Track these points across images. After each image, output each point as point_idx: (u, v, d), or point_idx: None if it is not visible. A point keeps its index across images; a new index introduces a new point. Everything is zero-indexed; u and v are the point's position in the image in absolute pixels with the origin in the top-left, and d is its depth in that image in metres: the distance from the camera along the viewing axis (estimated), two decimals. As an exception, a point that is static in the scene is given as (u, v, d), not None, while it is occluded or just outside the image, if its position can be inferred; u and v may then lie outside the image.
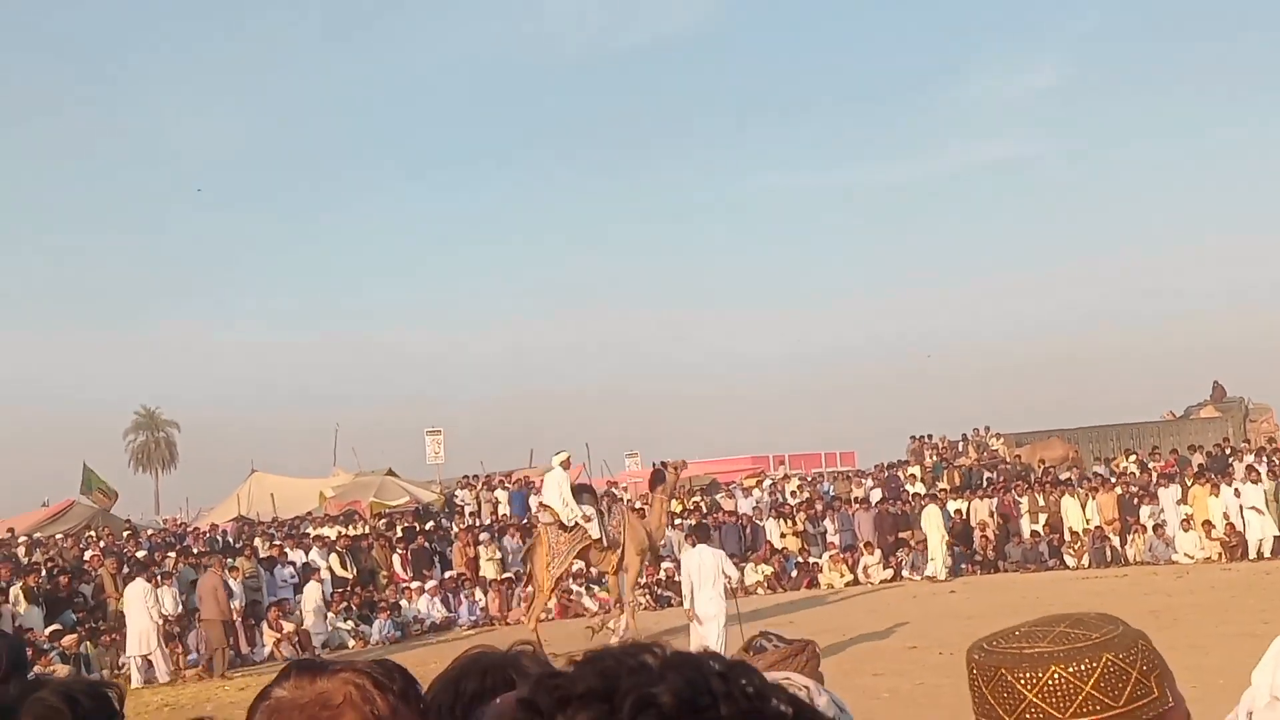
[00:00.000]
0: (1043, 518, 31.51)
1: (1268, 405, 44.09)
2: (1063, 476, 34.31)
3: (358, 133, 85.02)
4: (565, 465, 22.22)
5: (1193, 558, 28.27)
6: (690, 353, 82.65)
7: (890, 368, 76.16)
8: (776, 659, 2.45)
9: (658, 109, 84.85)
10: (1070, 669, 1.77)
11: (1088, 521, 30.65)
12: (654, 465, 26.92)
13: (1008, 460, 39.35)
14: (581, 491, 22.25)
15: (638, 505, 26.03)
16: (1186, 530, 28.88)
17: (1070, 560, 29.79)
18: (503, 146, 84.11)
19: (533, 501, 35.21)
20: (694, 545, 17.99)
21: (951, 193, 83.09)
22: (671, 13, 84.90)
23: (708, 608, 16.97)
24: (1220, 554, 28.18)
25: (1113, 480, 32.35)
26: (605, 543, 21.43)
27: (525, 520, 33.63)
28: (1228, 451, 33.77)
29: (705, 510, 33.94)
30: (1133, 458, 35.82)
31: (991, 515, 31.94)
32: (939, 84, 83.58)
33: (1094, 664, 1.77)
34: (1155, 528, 29.35)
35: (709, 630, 16.76)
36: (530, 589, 23.25)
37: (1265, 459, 31.51)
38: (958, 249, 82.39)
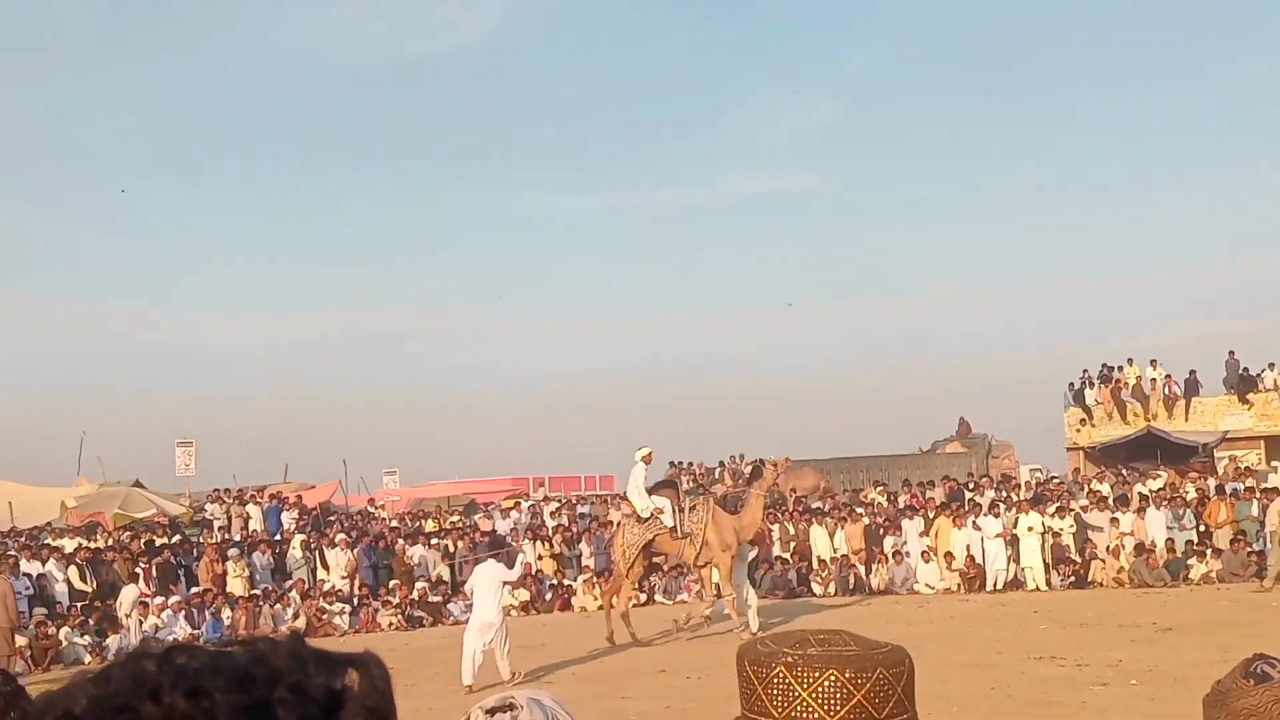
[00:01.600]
0: (792, 545, 32.24)
1: (1009, 443, 46.15)
2: (814, 505, 35.13)
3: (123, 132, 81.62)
4: (647, 460, 23.51)
5: (933, 588, 29.30)
6: (452, 370, 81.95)
7: (652, 393, 76.93)
8: None
9: (431, 122, 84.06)
10: (846, 674, 1.80)
11: (835, 550, 31.49)
12: (756, 461, 27.80)
13: (762, 489, 40.08)
14: (661, 486, 23.69)
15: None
16: (928, 561, 29.94)
17: (818, 588, 30.52)
18: (268, 153, 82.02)
19: (285, 518, 34.52)
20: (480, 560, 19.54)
21: (720, 222, 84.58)
22: (458, 26, 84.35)
23: (485, 616, 17.93)
24: (960, 585, 29.30)
25: (860, 511, 33.31)
26: (679, 533, 22.55)
27: (278, 535, 32.93)
28: (970, 486, 35.10)
29: (463, 530, 33.70)
30: (880, 489, 36.94)
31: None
32: (713, 115, 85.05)
33: (868, 675, 1.81)
34: (895, 555, 30.31)
35: (484, 637, 17.79)
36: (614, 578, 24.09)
37: (1004, 494, 32.94)
38: (723, 277, 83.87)
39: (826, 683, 1.79)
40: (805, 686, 1.80)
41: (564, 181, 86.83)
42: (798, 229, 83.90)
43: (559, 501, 39.69)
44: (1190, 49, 76.18)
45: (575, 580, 31.47)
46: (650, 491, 23.23)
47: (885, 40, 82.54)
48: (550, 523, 35.51)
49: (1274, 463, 34.97)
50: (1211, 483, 32.56)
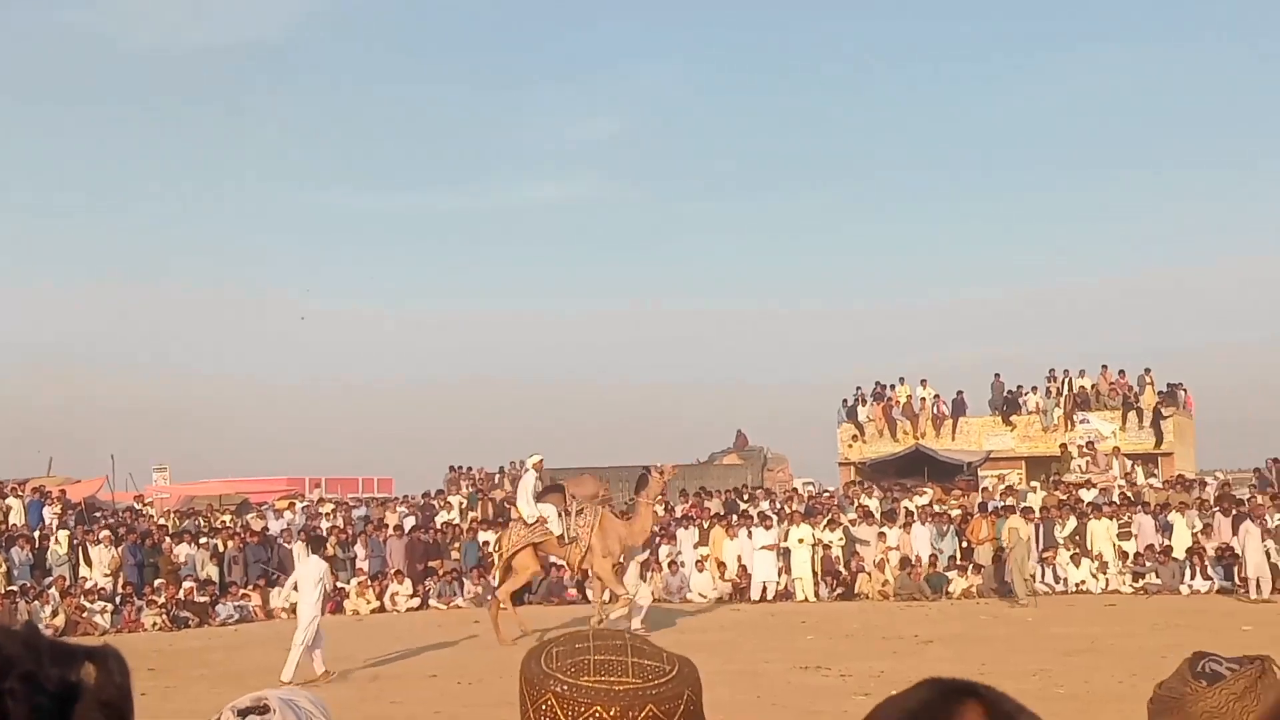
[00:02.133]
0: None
1: (784, 456, 47.12)
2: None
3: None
4: (538, 467, 23.88)
5: (706, 597, 29.71)
6: (226, 367, 79.68)
7: (433, 395, 76.27)
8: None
9: (220, 112, 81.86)
10: (663, 708, 1.77)
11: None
12: (642, 469, 27.57)
13: (541, 494, 40.17)
14: (548, 492, 23.64)
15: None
16: (701, 570, 30.36)
17: (591, 595, 30.64)
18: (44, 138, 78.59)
19: (47, 513, 33.14)
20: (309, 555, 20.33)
21: (506, 227, 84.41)
22: (252, 19, 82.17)
23: (306, 611, 18.64)
24: (731, 594, 29.80)
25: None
26: (565, 539, 22.92)
27: (39, 530, 31.63)
28: (745, 497, 35.68)
29: (233, 530, 32.86)
30: (658, 498, 37.25)
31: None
32: (502, 121, 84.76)
33: (678, 702, 1.79)
34: (670, 564, 30.66)
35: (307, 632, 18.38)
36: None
37: (777, 506, 33.60)
38: (506, 280, 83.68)
39: (592, 718, 1.74)
40: (571, 718, 1.75)
41: (351, 180, 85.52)
42: (578, 236, 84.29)
43: (334, 503, 39.02)
44: (940, 88, 79.07)
45: (349, 583, 30.98)
46: (538, 498, 23.41)
47: (673, 56, 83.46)
48: (325, 524, 34.90)
49: (1033, 483, 36.42)
50: (975, 500, 33.76)
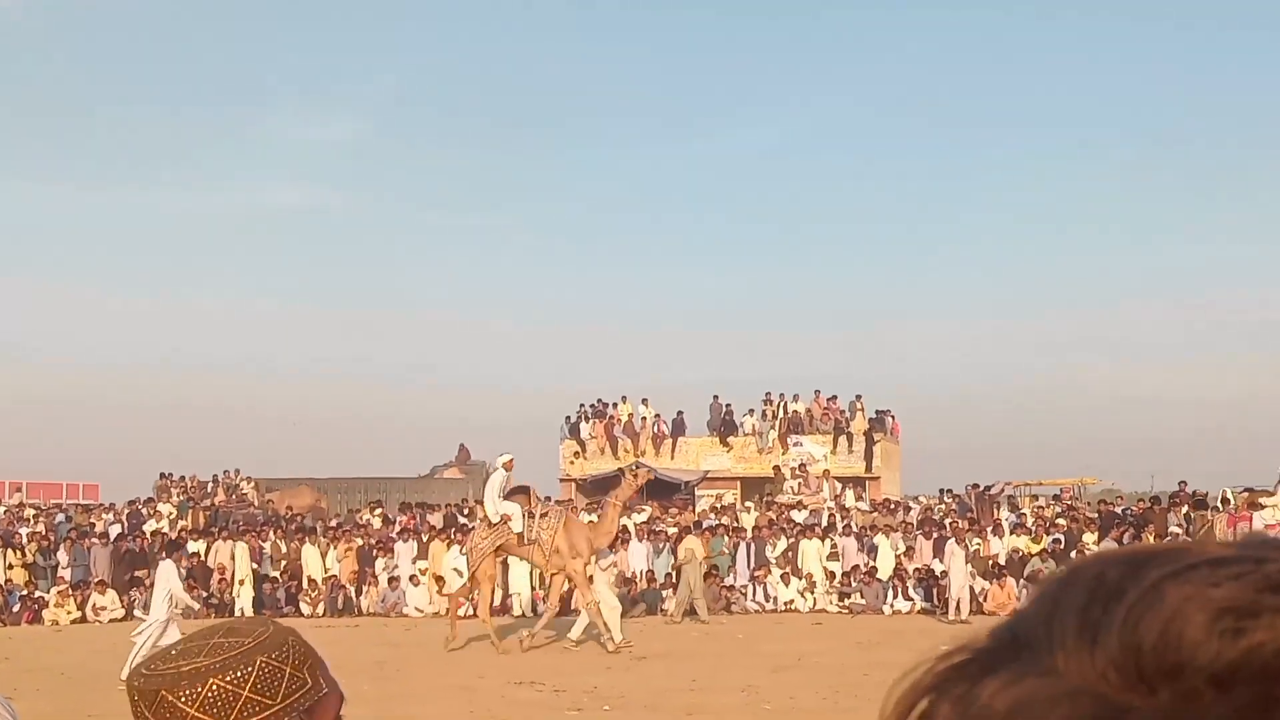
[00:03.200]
0: (283, 564, 31.57)
1: (506, 471, 46.98)
2: (309, 524, 34.53)
3: None
4: (508, 467, 23.73)
5: (423, 611, 29.41)
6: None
7: (142, 400, 73.48)
8: None
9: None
10: (227, 678, 1.85)
11: (327, 570, 31.08)
12: (616, 470, 27.09)
13: (257, 504, 39.16)
14: (514, 493, 23.57)
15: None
16: (416, 585, 30.04)
17: (306, 608, 30.00)
18: None
19: None
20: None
21: (239, 230, 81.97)
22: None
23: (157, 613, 19.18)
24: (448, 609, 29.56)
25: (353, 531, 33.02)
26: (526, 539, 22.85)
27: None
28: (465, 512, 35.47)
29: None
30: (378, 511, 36.78)
31: (232, 559, 31.50)
32: (242, 122, 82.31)
33: (249, 668, 1.86)
34: (389, 579, 30.26)
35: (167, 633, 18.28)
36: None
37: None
38: (238, 284, 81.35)
39: (210, 693, 1.83)
40: (191, 703, 1.83)
41: (73, 174, 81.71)
42: (308, 241, 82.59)
43: (36, 508, 37.11)
44: (678, 119, 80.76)
45: (49, 592, 29.51)
46: (506, 498, 23.50)
47: (415, 63, 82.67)
48: (25, 530, 33.17)
49: (747, 503, 37.32)
50: (690, 518, 34.39)
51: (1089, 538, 30.31)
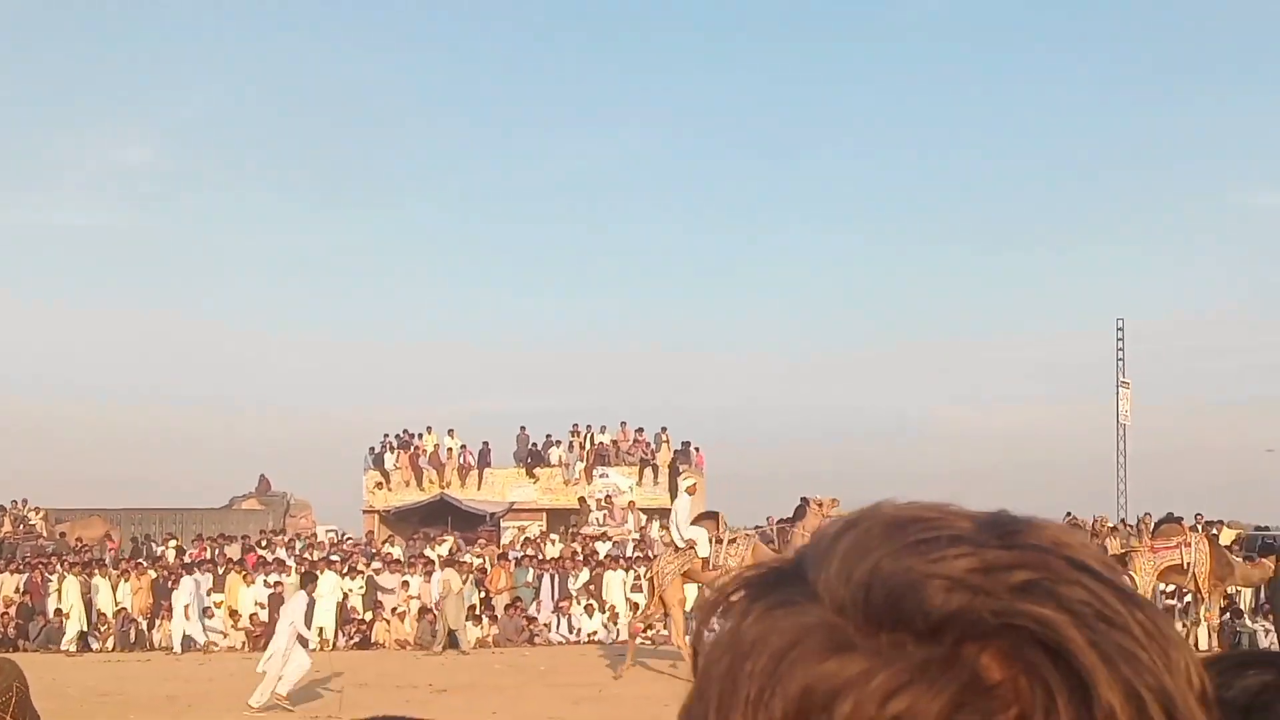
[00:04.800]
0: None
1: (307, 502, 46.30)
2: (97, 556, 33.48)
3: None
4: (691, 491, 24.28)
5: (218, 645, 28.73)
6: None
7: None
8: None
9: None
10: None
11: (118, 604, 30.14)
12: (800, 499, 26.04)
13: (45, 535, 37.82)
14: (702, 518, 23.86)
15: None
16: (211, 617, 29.39)
17: (95, 643, 29.06)
18: None
19: None
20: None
21: (27, 250, 78.83)
22: None
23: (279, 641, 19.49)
24: (245, 642, 28.92)
25: (146, 563, 32.15)
26: (712, 565, 22.73)
27: None
28: (263, 544, 34.80)
29: None
30: (173, 543, 35.84)
31: (18, 591, 30.37)
32: (38, 142, 79.32)
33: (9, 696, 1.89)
34: (186, 609, 29.50)
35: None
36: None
37: (296, 552, 33.00)
38: (29, 303, 78.32)
39: None
40: None
41: None
42: (102, 262, 79.96)
43: None
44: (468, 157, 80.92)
45: None
46: (694, 522, 23.55)
47: (211, 89, 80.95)
48: None
49: (552, 535, 37.37)
50: (495, 550, 34.31)
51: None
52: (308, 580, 22.86)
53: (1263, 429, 71.18)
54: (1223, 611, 27.09)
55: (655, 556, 25.62)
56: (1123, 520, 36.19)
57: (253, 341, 77.48)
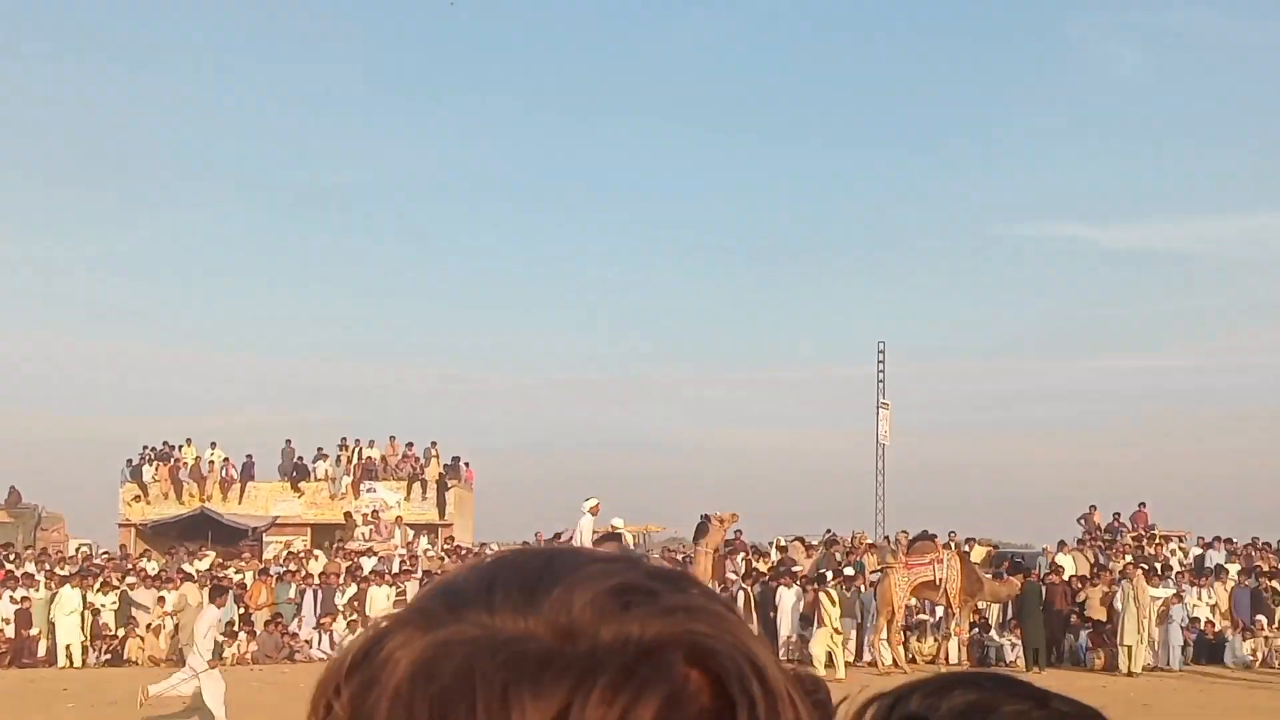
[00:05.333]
0: None
1: (60, 515, 44.51)
2: None
3: None
4: (594, 511, 23.66)
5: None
6: None
7: None
8: None
9: None
10: None
11: None
12: (700, 516, 25.96)
13: None
14: (605, 539, 22.61)
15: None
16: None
17: None
18: None
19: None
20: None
21: None
22: None
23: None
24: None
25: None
26: None
27: None
28: (11, 558, 33.37)
29: None
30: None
31: None
32: None
33: None
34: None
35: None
36: None
37: (48, 566, 31.76)
38: None
39: None
40: None
41: None
42: None
43: None
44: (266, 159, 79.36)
45: None
46: (595, 545, 21.79)
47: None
48: None
49: (316, 550, 36.77)
50: (256, 565, 33.59)
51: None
52: (216, 594, 21.68)
53: (1013, 451, 74.49)
54: (972, 626, 28.23)
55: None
56: (886, 537, 37.34)
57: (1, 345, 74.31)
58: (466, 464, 45.19)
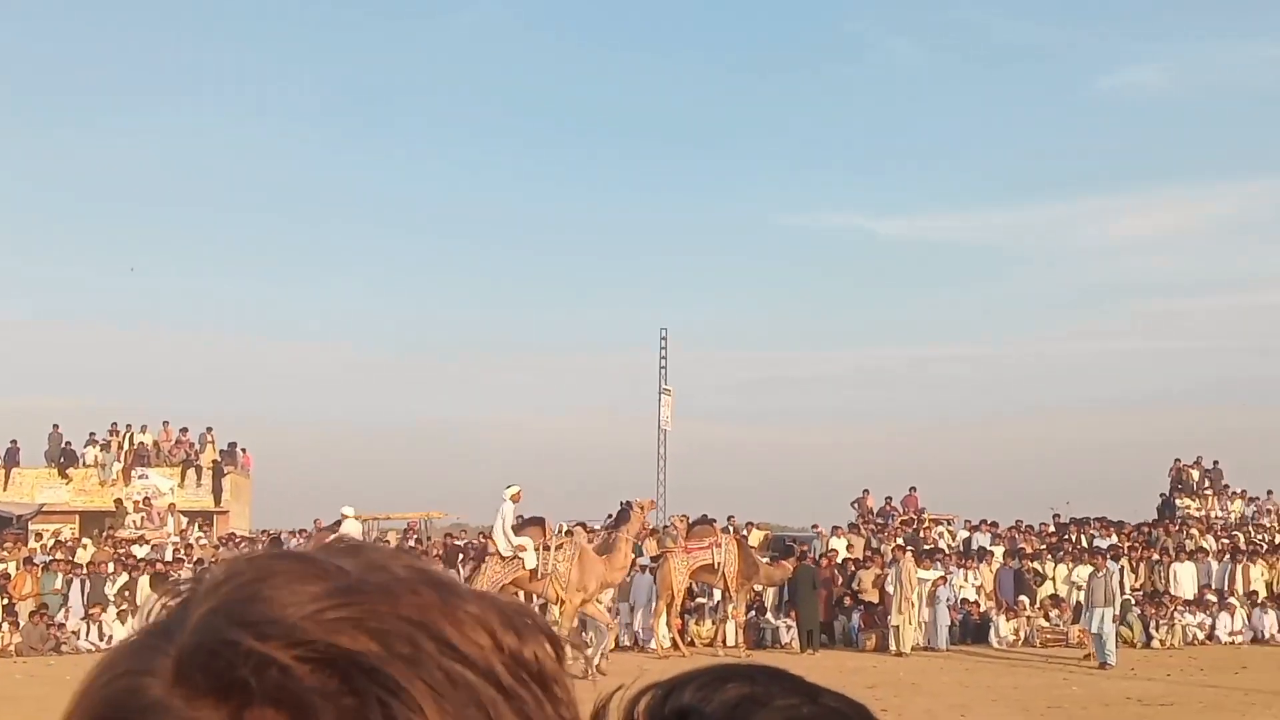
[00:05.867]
0: None
1: None
2: None
3: None
4: (515, 499, 23.29)
5: None
6: None
7: None
8: None
9: None
10: None
11: None
12: (621, 503, 26.29)
13: None
14: (528, 524, 23.40)
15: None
16: None
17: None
18: None
19: None
20: None
21: None
22: None
23: None
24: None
25: None
26: (540, 573, 22.75)
27: None
28: None
29: None
30: None
31: None
32: None
33: None
34: None
35: None
36: None
37: None
38: None
39: None
40: None
41: None
42: None
43: None
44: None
45: None
46: (516, 530, 23.16)
47: None
48: None
49: (85, 539, 35.55)
50: (21, 554, 32.33)
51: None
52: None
53: (792, 436, 76.27)
54: (749, 609, 28.81)
55: (482, 566, 24.23)
56: (673, 521, 37.77)
57: None
58: (244, 450, 44.25)
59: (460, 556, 32.76)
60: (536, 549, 23.33)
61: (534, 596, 23.16)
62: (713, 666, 1.08)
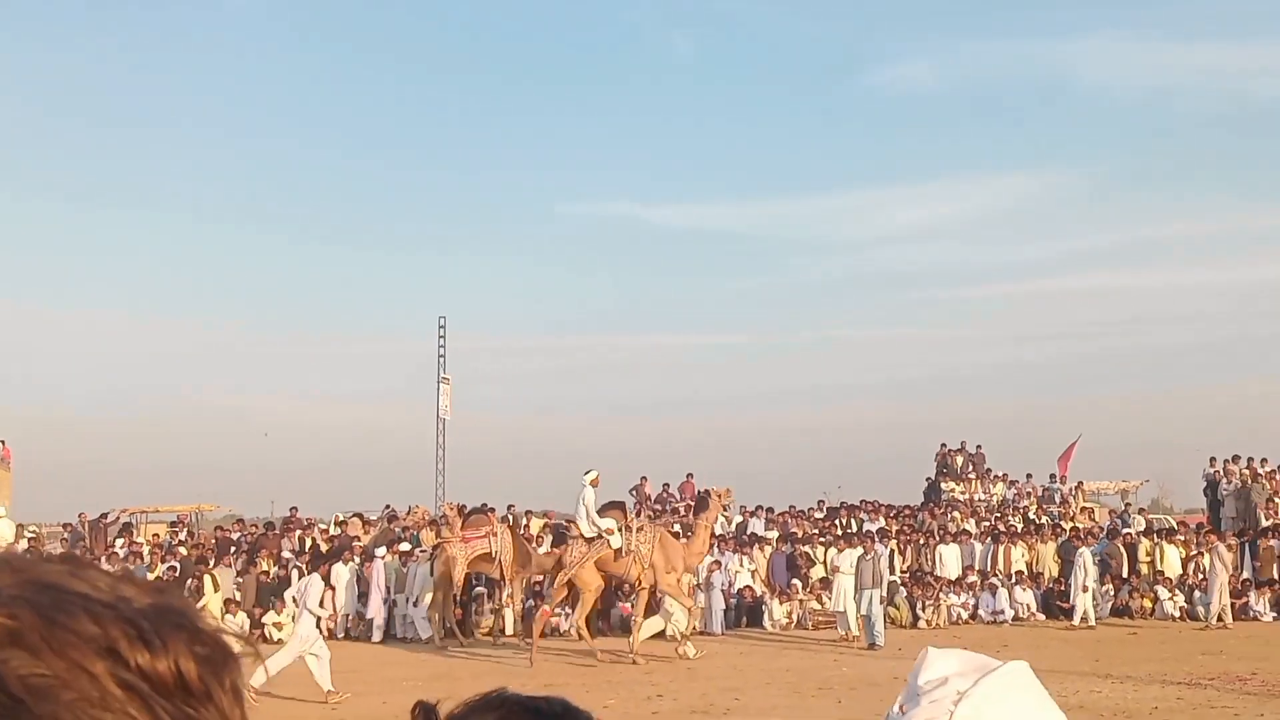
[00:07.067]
0: None
1: None
2: None
3: None
4: (594, 483, 23.91)
5: None
6: None
7: None
8: None
9: None
10: None
11: None
12: (700, 491, 27.25)
13: None
14: (608, 508, 24.23)
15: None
16: None
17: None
18: None
19: None
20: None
21: None
22: None
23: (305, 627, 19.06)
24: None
25: None
26: (624, 552, 23.51)
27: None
28: None
29: None
30: None
31: None
32: None
33: None
34: None
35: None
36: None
37: None
38: None
39: None
40: None
41: None
42: None
43: None
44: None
45: None
46: (600, 513, 23.76)
47: None
48: None
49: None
50: None
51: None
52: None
53: (573, 423, 76.41)
54: (527, 598, 28.70)
55: (566, 546, 24.69)
56: (445, 510, 37.43)
57: None
58: (3, 441, 42.26)
59: (233, 549, 31.89)
60: (620, 531, 23.98)
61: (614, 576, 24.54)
62: (472, 698, 1.06)
